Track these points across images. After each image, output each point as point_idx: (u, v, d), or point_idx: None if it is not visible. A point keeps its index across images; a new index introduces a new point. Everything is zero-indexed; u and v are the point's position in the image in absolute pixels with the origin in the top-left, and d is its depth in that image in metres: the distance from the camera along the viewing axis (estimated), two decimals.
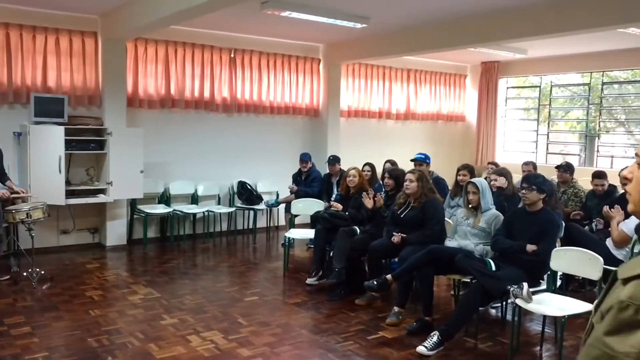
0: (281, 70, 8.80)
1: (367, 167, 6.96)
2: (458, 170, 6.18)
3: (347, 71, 9.54)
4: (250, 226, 8.49)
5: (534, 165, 7.27)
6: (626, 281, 0.98)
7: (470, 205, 4.76)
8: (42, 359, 3.85)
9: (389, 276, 4.65)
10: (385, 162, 7.12)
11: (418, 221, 4.92)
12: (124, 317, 4.75)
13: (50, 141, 6.49)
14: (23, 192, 5.94)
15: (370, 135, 9.90)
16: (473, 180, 4.92)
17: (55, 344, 4.14)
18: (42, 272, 5.73)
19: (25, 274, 5.72)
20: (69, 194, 6.75)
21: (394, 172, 5.60)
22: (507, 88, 11.21)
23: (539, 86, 10.76)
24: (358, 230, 5.56)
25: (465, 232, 4.72)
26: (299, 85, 9.03)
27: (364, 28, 7.25)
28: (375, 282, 4.69)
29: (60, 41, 6.91)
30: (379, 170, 6.96)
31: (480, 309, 4.68)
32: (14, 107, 6.75)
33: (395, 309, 4.72)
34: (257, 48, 8.50)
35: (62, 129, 6.53)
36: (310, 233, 6.50)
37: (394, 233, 4.96)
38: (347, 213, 5.71)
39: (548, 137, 10.58)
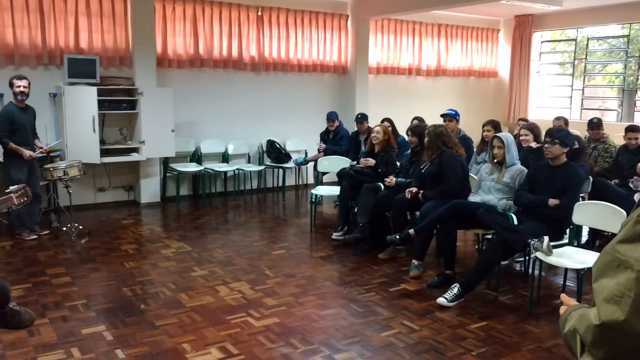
0: (309, 27, 8.75)
1: (386, 123, 6.97)
2: (483, 125, 6.13)
3: (376, 27, 9.42)
4: (280, 184, 8.64)
5: (565, 121, 7.13)
6: None
7: (495, 160, 4.74)
8: (81, 306, 4.09)
9: (411, 230, 4.73)
10: (413, 119, 7.10)
11: (437, 176, 4.94)
12: (156, 269, 4.98)
13: (83, 101, 6.69)
14: (44, 148, 6.01)
15: (399, 92, 9.82)
16: (498, 134, 4.89)
17: (93, 293, 4.38)
18: (81, 227, 6.00)
19: (64, 229, 6.00)
20: (104, 153, 6.97)
21: (417, 130, 5.59)
22: (542, 42, 10.88)
23: (575, 39, 10.41)
24: (382, 187, 5.61)
25: (489, 187, 4.72)
26: (327, 43, 8.97)
27: None
28: (397, 237, 4.77)
29: (91, 2, 7.03)
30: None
31: (502, 262, 4.74)
32: (49, 68, 6.95)
33: (415, 262, 4.81)
34: (284, 5, 8.45)
35: (94, 89, 6.71)
36: (336, 190, 6.59)
37: (408, 189, 5.05)
38: (379, 170, 5.74)
39: (583, 92, 10.29)
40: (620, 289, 1.01)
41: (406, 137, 5.98)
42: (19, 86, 5.73)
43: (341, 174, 6.13)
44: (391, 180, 5.47)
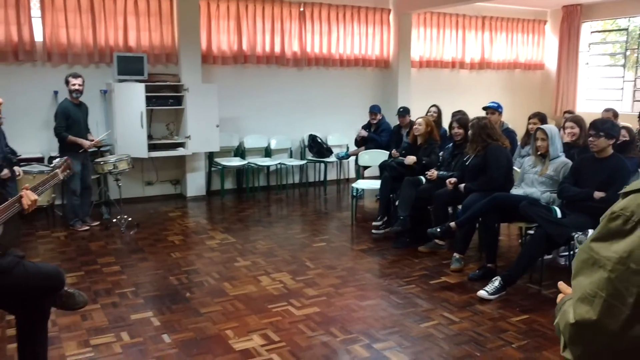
0: (350, 22, 8.77)
1: (433, 109, 6.94)
2: (529, 118, 6.02)
3: (418, 21, 9.36)
4: (321, 178, 8.71)
5: (615, 113, 6.92)
6: (625, 195, 1.04)
7: (538, 152, 4.67)
8: (130, 294, 4.27)
9: (452, 224, 4.71)
10: (453, 114, 6.97)
11: (480, 169, 4.90)
12: (201, 259, 5.13)
13: (132, 98, 6.92)
14: (95, 141, 6.27)
15: (442, 85, 9.73)
16: (542, 126, 4.81)
17: (141, 281, 4.56)
18: (130, 219, 6.23)
19: (114, 220, 6.24)
20: (151, 147, 7.20)
21: (463, 121, 5.54)
22: (591, 32, 10.56)
23: (627, 29, 10.06)
24: (423, 180, 5.60)
25: (532, 180, 4.65)
26: (369, 37, 8.98)
27: None
28: (438, 230, 4.77)
29: (139, 2, 7.26)
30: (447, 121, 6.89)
31: (546, 256, 4.67)
32: (100, 66, 7.21)
33: (456, 255, 4.79)
34: (325, 1, 8.51)
35: (142, 86, 6.94)
36: (378, 184, 6.60)
37: (449, 179, 5.04)
38: (423, 161, 5.72)
39: (635, 84, 9.94)
40: (593, 288, 0.99)
41: (448, 131, 5.94)
42: (74, 84, 6.00)
43: (382, 165, 6.15)
44: (433, 173, 5.46)
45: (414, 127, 5.93)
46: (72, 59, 6.97)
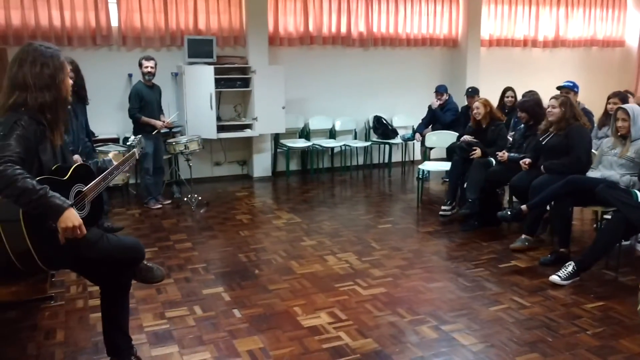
0: (418, 1, 8.59)
1: (510, 93, 6.76)
2: (608, 98, 5.72)
3: None
4: (386, 160, 8.65)
5: None
6: None
7: (619, 133, 4.44)
8: (201, 269, 4.42)
9: (523, 206, 4.58)
10: (524, 95, 6.71)
11: (561, 148, 4.69)
12: (269, 238, 5.24)
13: (202, 80, 7.09)
14: (167, 122, 6.49)
15: (513, 65, 9.38)
16: (623, 106, 4.56)
17: (212, 258, 4.71)
18: (200, 198, 6.43)
19: (185, 199, 6.46)
20: (220, 129, 7.37)
21: (525, 105, 5.37)
22: None
23: None
24: (493, 162, 5.45)
25: (610, 162, 4.44)
26: (437, 16, 8.77)
27: None
28: (509, 213, 4.65)
29: None
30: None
31: (624, 242, 4.47)
32: (171, 49, 7.42)
33: (523, 236, 4.66)
34: None
35: (212, 68, 7.09)
36: (444, 166, 6.51)
37: (524, 160, 4.88)
38: (488, 156, 5.57)
39: None
40: None
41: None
42: (147, 67, 6.22)
43: (452, 147, 6.03)
44: (503, 154, 5.30)
45: (474, 112, 5.77)
46: (145, 43, 7.21)
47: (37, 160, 2.31)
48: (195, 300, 3.82)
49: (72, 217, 2.18)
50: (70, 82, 2.55)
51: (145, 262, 2.88)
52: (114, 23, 7.07)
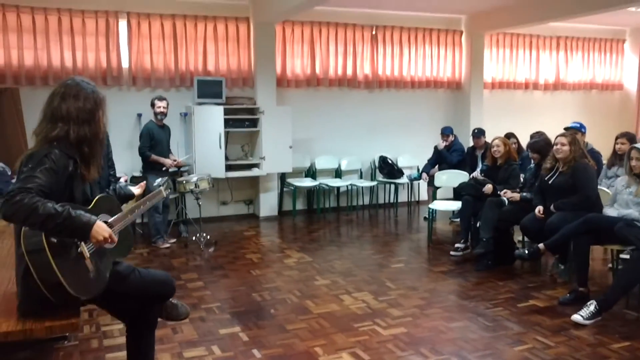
0: (422, 44, 8.78)
1: (513, 140, 6.81)
2: (616, 138, 5.76)
3: (491, 41, 9.25)
4: (392, 200, 8.65)
5: None
6: None
7: (633, 172, 4.47)
8: (215, 309, 4.34)
9: (541, 245, 4.56)
10: (533, 135, 6.79)
11: (567, 187, 4.73)
12: (281, 277, 5.17)
13: (211, 120, 7.14)
14: (178, 161, 6.54)
15: (516, 107, 9.53)
16: (637, 145, 4.60)
17: (225, 297, 4.63)
18: (208, 237, 6.37)
19: (194, 238, 6.41)
20: (228, 168, 7.38)
21: (536, 145, 5.43)
22: None
23: None
24: (506, 201, 5.46)
25: (626, 200, 4.45)
26: (440, 59, 8.95)
27: None
28: (526, 251, 4.62)
29: (218, 28, 7.53)
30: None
31: None
32: (180, 90, 7.50)
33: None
34: (397, 24, 8.56)
35: (221, 108, 7.16)
36: (453, 206, 6.52)
37: (538, 207, 4.87)
38: (498, 192, 5.59)
39: None
40: None
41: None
42: (160, 106, 6.28)
43: (461, 186, 6.05)
44: (514, 195, 5.33)
45: (493, 149, 5.81)
46: (155, 83, 7.28)
47: (68, 195, 2.29)
48: (212, 340, 3.74)
49: (102, 229, 2.18)
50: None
51: (170, 300, 2.82)
52: (125, 64, 7.16)
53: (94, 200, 2.39)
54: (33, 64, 6.69)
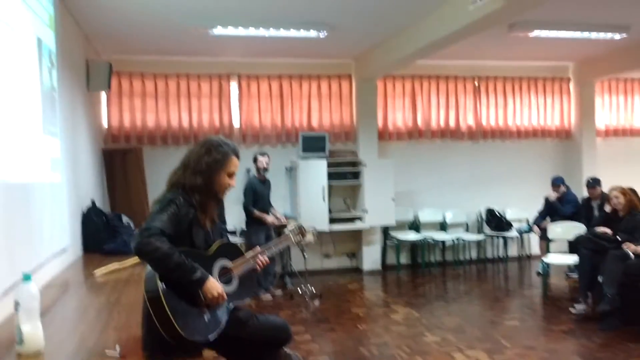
0: (527, 93, 8.57)
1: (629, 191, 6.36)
2: None
3: (602, 88, 8.84)
4: (501, 254, 8.28)
5: None
6: None
7: None
8: None
9: None
10: None
11: None
12: (388, 332, 5.05)
13: (314, 174, 7.32)
14: (282, 219, 6.68)
15: (633, 155, 8.92)
16: None
17: (332, 351, 4.60)
18: (313, 290, 6.40)
19: (299, 290, 6.46)
20: (330, 221, 7.46)
21: None
22: None
23: None
24: (631, 254, 5.05)
25: None
26: (547, 107, 8.66)
27: (624, 38, 6.69)
28: None
29: (321, 86, 7.82)
30: None
31: None
32: (286, 145, 7.79)
33: None
34: (500, 74, 8.44)
35: (324, 162, 7.33)
36: (569, 259, 6.13)
37: None
38: (617, 237, 5.22)
39: None
40: None
41: None
42: (262, 162, 6.53)
43: (578, 240, 5.69)
44: (638, 248, 4.92)
45: (613, 202, 5.45)
46: (262, 140, 7.63)
47: (189, 240, 2.42)
48: None
49: (213, 288, 2.30)
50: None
51: (284, 349, 2.83)
52: (236, 123, 7.58)
53: (214, 246, 2.50)
54: (154, 125, 7.27)
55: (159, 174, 2.59)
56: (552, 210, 7.29)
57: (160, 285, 2.24)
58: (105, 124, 7.16)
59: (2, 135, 2.75)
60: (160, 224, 2.26)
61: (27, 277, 2.15)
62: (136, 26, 5.76)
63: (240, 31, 5.87)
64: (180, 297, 2.27)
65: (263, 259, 2.64)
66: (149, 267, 2.32)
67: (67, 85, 4.72)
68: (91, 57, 6.09)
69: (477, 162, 8.45)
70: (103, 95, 7.01)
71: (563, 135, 8.75)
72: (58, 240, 3.92)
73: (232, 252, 2.60)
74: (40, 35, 3.57)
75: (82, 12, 5.12)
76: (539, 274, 7.04)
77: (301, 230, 2.91)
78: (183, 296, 2.28)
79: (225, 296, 2.35)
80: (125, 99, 7.19)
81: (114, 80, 6.72)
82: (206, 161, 2.50)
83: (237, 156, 2.58)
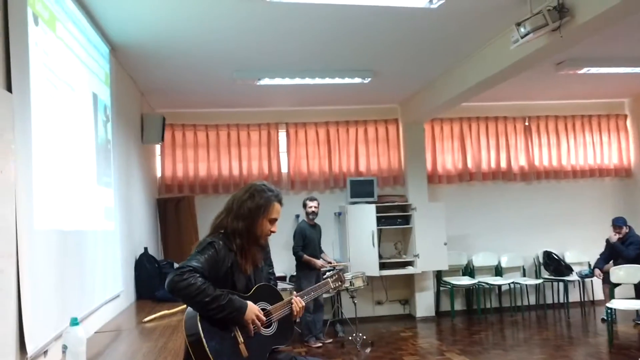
0: (581, 131, 8.34)
1: None
2: None
3: None
4: (561, 299, 7.90)
5: None
6: None
7: None
8: None
9: None
10: None
11: None
12: None
13: (364, 218, 7.29)
14: (333, 263, 6.65)
15: None
16: None
17: None
18: (364, 337, 6.26)
19: (350, 338, 6.33)
20: (381, 266, 7.36)
21: None
22: None
23: None
24: None
25: None
26: (604, 145, 8.38)
27: None
28: None
29: (368, 131, 7.87)
30: None
31: None
32: (334, 191, 7.82)
33: None
34: (551, 113, 8.28)
35: (373, 207, 7.30)
36: (637, 305, 5.78)
37: None
38: None
39: None
40: None
41: None
42: (311, 207, 6.56)
43: None
44: None
45: None
46: (311, 186, 7.70)
47: (231, 284, 2.43)
48: None
49: (254, 310, 2.38)
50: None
51: None
52: (284, 169, 7.70)
53: (254, 288, 2.51)
54: (206, 174, 7.47)
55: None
56: (615, 253, 6.95)
57: (200, 325, 2.26)
58: (159, 174, 7.43)
59: (58, 186, 2.90)
60: (196, 263, 2.30)
61: (74, 322, 2.22)
62: (187, 81, 6.02)
63: (286, 81, 6.03)
64: (219, 337, 2.29)
65: (300, 303, 2.62)
66: (189, 309, 2.35)
67: (122, 138, 4.95)
68: (146, 111, 6.39)
69: (532, 204, 8.20)
70: (157, 147, 7.30)
71: (622, 173, 8.41)
72: (111, 286, 4.03)
73: (271, 294, 2.60)
74: (96, 91, 3.79)
75: (136, 70, 5.41)
76: (604, 320, 6.66)
77: (340, 277, 2.91)
78: (222, 336, 2.30)
79: (263, 318, 2.40)
80: (178, 150, 7.45)
81: (168, 133, 7.00)
82: (248, 206, 2.52)
83: (280, 202, 2.60)
